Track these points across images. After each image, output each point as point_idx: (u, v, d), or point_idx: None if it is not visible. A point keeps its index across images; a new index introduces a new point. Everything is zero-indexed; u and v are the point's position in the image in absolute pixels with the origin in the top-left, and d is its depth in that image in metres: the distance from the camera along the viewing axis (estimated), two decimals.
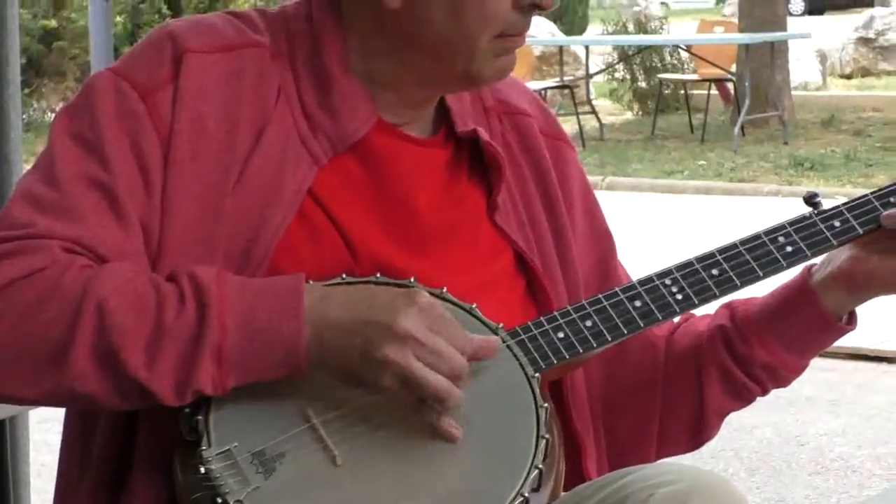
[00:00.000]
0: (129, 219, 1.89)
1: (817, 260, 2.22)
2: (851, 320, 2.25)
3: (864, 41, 26.19)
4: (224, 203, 1.93)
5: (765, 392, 2.31)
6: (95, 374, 1.77)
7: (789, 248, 2.13)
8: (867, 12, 28.64)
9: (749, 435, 5.43)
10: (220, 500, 1.74)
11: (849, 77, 25.33)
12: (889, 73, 25.66)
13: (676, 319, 2.27)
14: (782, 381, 2.28)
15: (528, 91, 2.39)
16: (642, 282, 2.10)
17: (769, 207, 11.92)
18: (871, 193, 2.19)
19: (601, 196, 9.65)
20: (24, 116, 14.47)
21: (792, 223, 2.14)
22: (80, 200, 1.88)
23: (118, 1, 18.63)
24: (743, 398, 2.28)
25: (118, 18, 19.48)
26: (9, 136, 3.83)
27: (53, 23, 19.21)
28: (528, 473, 1.83)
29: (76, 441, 2.05)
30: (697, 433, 2.34)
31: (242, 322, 1.81)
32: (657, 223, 12.85)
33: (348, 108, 2.04)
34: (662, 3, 26.69)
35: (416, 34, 2.03)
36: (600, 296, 2.07)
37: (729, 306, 2.28)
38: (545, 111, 2.36)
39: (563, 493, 2.01)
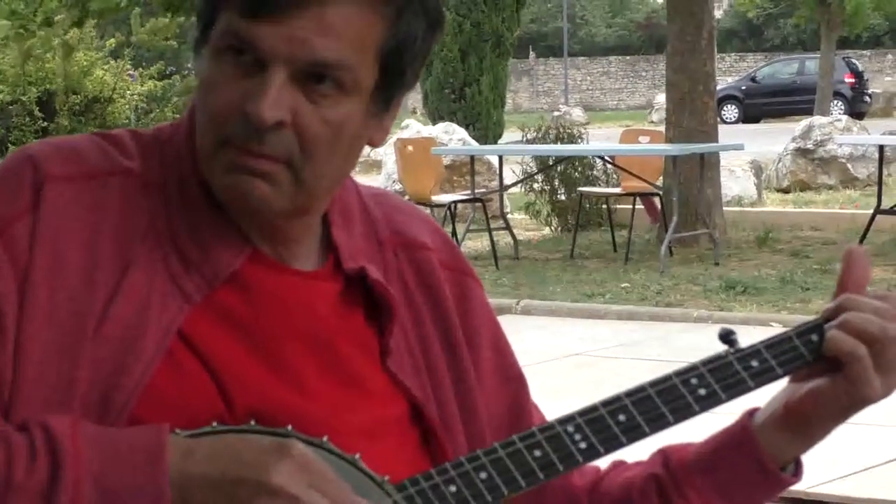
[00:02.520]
0: None
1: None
2: (798, 470, 2.20)
3: (803, 152, 26.74)
4: (83, 347, 1.86)
5: None
6: None
7: (703, 392, 2.09)
8: (805, 121, 29.29)
9: None
10: None
11: (786, 191, 25.65)
12: (829, 188, 25.98)
13: (603, 459, 2.19)
14: None
15: (430, 221, 2.37)
16: (543, 429, 2.03)
17: (698, 335, 11.75)
18: (792, 330, 2.14)
19: (516, 321, 14.72)
20: None
21: (706, 363, 2.11)
22: None
23: None
24: None
25: None
26: None
27: None
28: None
29: None
30: None
31: (98, 485, 1.75)
32: (576, 351, 12.79)
33: (220, 240, 2.00)
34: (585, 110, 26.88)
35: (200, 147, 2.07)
36: (497, 444, 2.00)
37: (663, 453, 2.24)
38: (448, 243, 2.34)
39: None
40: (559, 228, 21.02)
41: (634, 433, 2.03)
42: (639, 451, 2.20)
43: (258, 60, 1.90)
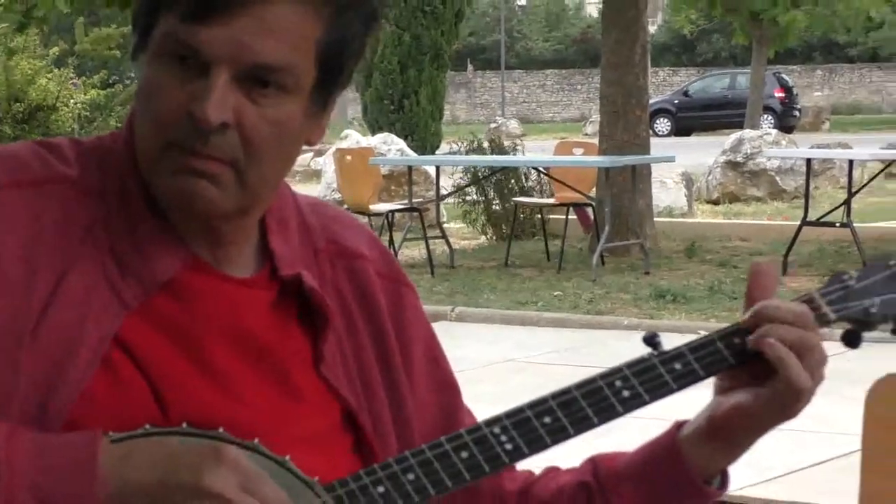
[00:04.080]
0: None
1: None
2: (724, 482, 2.23)
3: (733, 165, 27.39)
4: (19, 354, 1.85)
5: None
6: None
7: (626, 394, 2.10)
8: (736, 134, 29.81)
9: None
10: None
11: (716, 202, 26.18)
12: (758, 199, 26.36)
13: (533, 463, 2.21)
14: None
15: (366, 230, 2.37)
16: (470, 431, 2.05)
17: (628, 342, 11.73)
18: (715, 333, 2.17)
19: (451, 328, 14.98)
20: None
21: (630, 366, 2.13)
22: None
23: None
24: None
25: None
26: None
27: None
28: None
29: None
30: None
31: (34, 495, 1.76)
32: (510, 357, 12.93)
33: (157, 247, 2.00)
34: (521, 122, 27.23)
35: (140, 150, 2.04)
36: (424, 446, 2.01)
37: (594, 461, 2.28)
38: (384, 252, 2.35)
39: None
40: (494, 237, 21.22)
41: (559, 434, 2.08)
42: (571, 453, 2.33)
43: (200, 63, 1.93)
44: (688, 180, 25.45)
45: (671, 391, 2.13)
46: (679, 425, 2.22)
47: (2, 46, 21.14)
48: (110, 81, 28.16)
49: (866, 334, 2.32)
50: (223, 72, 1.88)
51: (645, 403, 2.14)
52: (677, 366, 2.13)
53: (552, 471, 2.30)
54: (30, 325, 1.87)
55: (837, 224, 19.01)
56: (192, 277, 2.03)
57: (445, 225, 20.83)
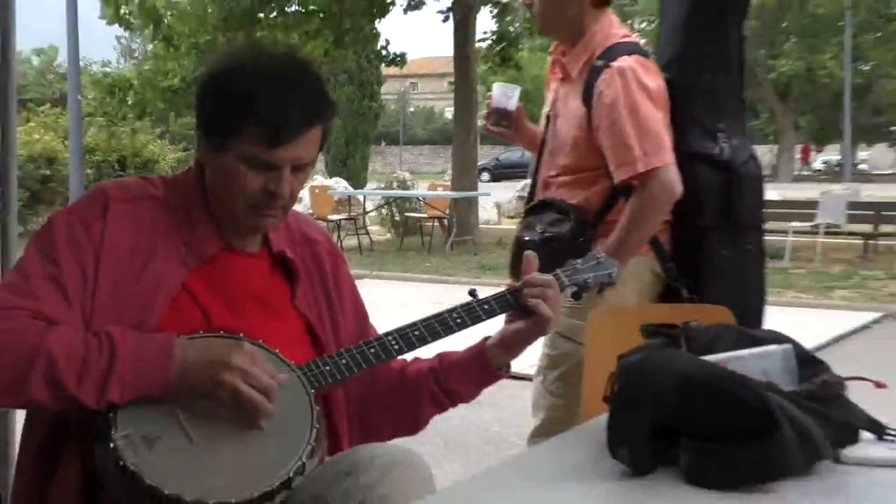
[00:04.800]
0: (72, 301, 1.84)
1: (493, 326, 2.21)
2: (508, 369, 2.23)
3: (521, 197, 24.37)
4: (128, 292, 1.89)
5: (454, 405, 2.28)
6: (46, 392, 1.75)
7: (459, 320, 2.14)
8: (524, 181, 27.83)
9: (445, 423, 4.29)
10: (121, 464, 1.75)
11: (513, 217, 24.26)
12: None
13: (410, 356, 2.21)
14: (466, 400, 2.27)
15: (321, 228, 2.34)
16: (376, 338, 2.10)
17: (464, 293, 8.90)
18: (505, 291, 2.20)
19: (370, 284, 13.43)
20: (29, 227, 14.59)
21: (462, 306, 2.17)
22: (41, 289, 1.82)
23: (89, 161, 17.64)
24: (443, 408, 2.26)
25: (88, 171, 18.04)
26: (10, 244, 3.61)
27: (48, 172, 18.29)
28: (305, 448, 1.87)
29: (29, 436, 1.96)
30: (415, 428, 2.28)
31: (137, 362, 1.80)
32: (401, 300, 12.04)
33: (207, 237, 2.02)
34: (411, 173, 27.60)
35: (215, 194, 2.02)
36: (352, 347, 2.05)
37: (439, 355, 2.27)
38: (330, 240, 2.31)
39: (326, 458, 1.98)
40: (395, 235, 20.32)
41: (423, 341, 2.10)
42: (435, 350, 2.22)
43: (274, 164, 1.92)
44: (498, 206, 24.62)
45: (482, 320, 2.19)
46: (486, 338, 2.21)
47: (129, 128, 20.26)
48: (189, 147, 25.97)
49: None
50: (287, 168, 1.95)
51: (468, 326, 2.19)
52: (486, 306, 2.18)
53: (416, 360, 2.27)
54: (134, 277, 1.90)
55: None
56: (225, 254, 2.05)
57: (369, 227, 20.06)
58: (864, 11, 28.24)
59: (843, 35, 34.34)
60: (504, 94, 3.28)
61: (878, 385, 2.03)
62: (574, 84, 3.18)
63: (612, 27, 3.21)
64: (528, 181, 3.28)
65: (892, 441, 1.87)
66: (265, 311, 2.05)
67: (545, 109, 3.34)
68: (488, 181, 39.76)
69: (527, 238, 3.10)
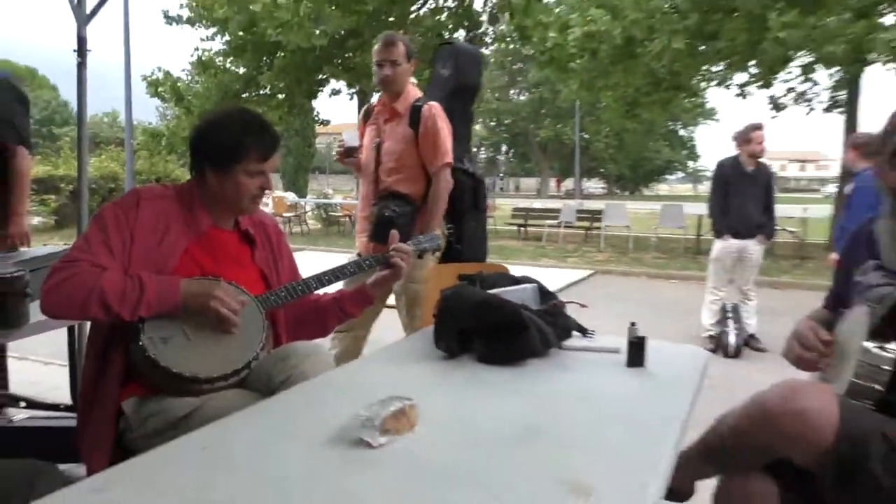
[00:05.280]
0: (116, 256, 1.77)
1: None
2: (377, 301, 2.12)
3: None
4: (152, 253, 1.81)
5: (347, 319, 2.18)
6: (101, 311, 1.71)
7: (352, 270, 2.08)
8: None
9: None
10: (146, 354, 1.71)
11: None
12: None
13: (321, 292, 2.11)
14: (355, 316, 2.18)
15: (269, 216, 2.18)
16: (303, 281, 2.02)
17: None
18: (382, 254, 2.14)
19: (308, 254, 11.57)
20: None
21: (355, 262, 2.12)
22: (97, 248, 1.76)
23: (138, 180, 16.58)
24: (341, 321, 2.17)
25: (137, 185, 15.91)
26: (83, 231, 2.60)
27: (112, 185, 17.31)
28: (259, 345, 1.82)
29: (91, 347, 1.87)
30: (324, 333, 2.18)
31: (157, 293, 1.75)
32: (326, 264, 7.80)
33: (202, 219, 1.92)
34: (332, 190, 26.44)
35: (224, 195, 1.92)
36: (288, 285, 1.98)
37: (339, 291, 2.19)
38: (275, 224, 2.17)
39: (271, 350, 1.89)
40: (323, 225, 18.75)
41: (331, 282, 2.06)
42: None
43: (263, 171, 1.90)
44: None
45: (365, 270, 2.12)
46: (365, 282, 2.14)
47: (162, 160, 18.35)
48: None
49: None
50: (270, 172, 1.92)
51: (357, 274, 2.12)
52: (367, 262, 2.13)
53: (326, 294, 2.17)
54: (155, 244, 1.82)
55: None
56: (214, 230, 1.96)
57: (308, 221, 18.59)
58: (585, 105, 30.69)
59: (575, 116, 37.82)
60: (351, 137, 3.36)
61: (582, 306, 2.14)
62: (401, 119, 3.32)
63: (412, 86, 3.45)
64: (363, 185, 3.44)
65: (591, 337, 2.06)
66: (237, 266, 2.00)
67: (367, 142, 3.43)
68: None
69: (386, 214, 3.16)
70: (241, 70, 15.44)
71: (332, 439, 1.29)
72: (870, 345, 1.51)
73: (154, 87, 15.34)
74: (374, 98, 3.49)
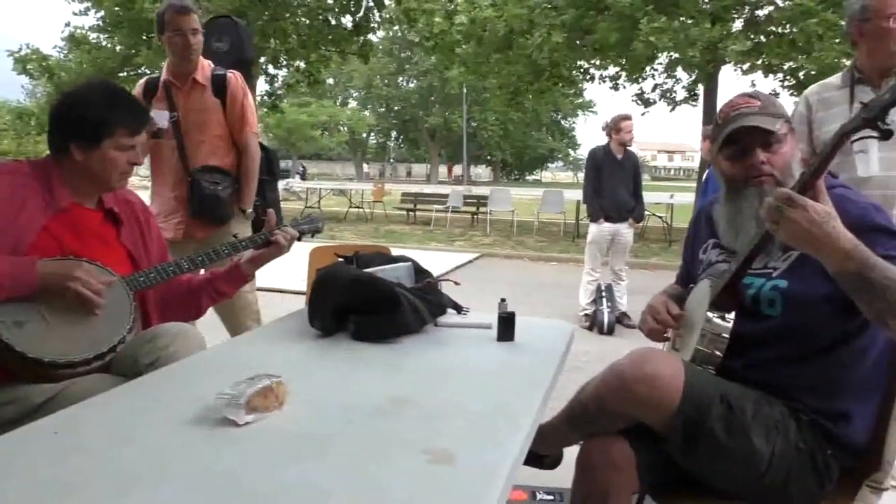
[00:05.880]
0: None
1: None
2: (253, 276, 2.12)
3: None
4: (6, 230, 1.75)
5: (222, 300, 2.16)
6: None
7: (226, 251, 2.07)
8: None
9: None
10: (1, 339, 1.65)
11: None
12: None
13: (198, 274, 2.10)
14: (229, 296, 2.16)
15: (135, 194, 2.11)
16: (174, 261, 2.00)
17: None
18: (259, 234, 2.12)
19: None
20: None
21: (230, 243, 2.09)
22: None
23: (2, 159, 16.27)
24: (215, 302, 2.12)
25: None
26: None
27: None
28: (126, 327, 1.77)
29: None
30: (198, 315, 2.13)
31: (10, 274, 1.68)
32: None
33: (61, 196, 1.87)
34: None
35: (90, 172, 1.88)
36: (157, 266, 1.96)
37: (211, 272, 2.13)
38: (141, 201, 2.11)
39: (141, 332, 1.84)
40: None
41: (204, 263, 2.02)
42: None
43: (133, 145, 1.88)
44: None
45: (240, 251, 2.10)
46: (240, 259, 2.09)
47: (31, 139, 17.89)
48: None
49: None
50: (139, 146, 1.89)
51: (232, 255, 2.09)
52: (244, 243, 2.08)
53: (200, 275, 2.15)
54: (9, 222, 1.75)
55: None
56: (76, 207, 1.90)
57: None
58: (472, 93, 31.75)
59: (463, 104, 38.96)
60: (161, 116, 3.12)
61: (456, 283, 2.18)
62: (204, 89, 3.15)
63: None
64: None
65: (465, 314, 2.09)
66: (101, 244, 1.94)
67: (165, 123, 3.13)
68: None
69: (211, 189, 3.02)
70: (118, 48, 14.76)
71: (195, 419, 1.27)
72: (711, 315, 1.61)
73: (22, 63, 14.78)
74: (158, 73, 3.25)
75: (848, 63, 2.80)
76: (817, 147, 2.55)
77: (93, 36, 14.75)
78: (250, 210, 3.13)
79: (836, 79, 2.62)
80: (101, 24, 14.64)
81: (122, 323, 1.79)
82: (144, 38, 14.45)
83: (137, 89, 3.23)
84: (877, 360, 1.59)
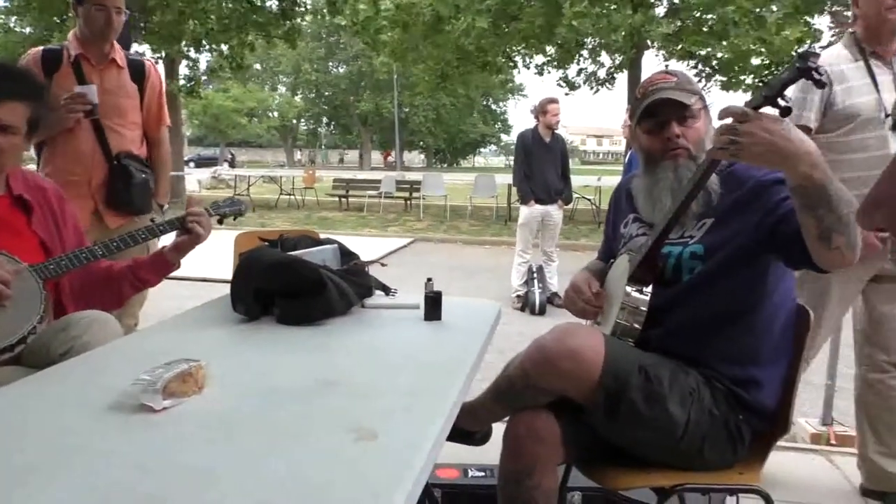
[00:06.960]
0: None
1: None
2: (179, 264, 2.07)
3: (214, 178, 21.57)
4: None
5: (145, 288, 2.13)
6: None
7: (143, 235, 2.00)
8: (215, 168, 26.91)
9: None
10: None
11: (209, 189, 19.59)
12: None
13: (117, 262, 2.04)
14: (153, 284, 2.11)
15: (48, 181, 2.06)
16: (87, 248, 1.93)
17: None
18: (176, 217, 2.04)
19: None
20: None
21: (147, 227, 2.02)
22: None
23: None
24: (137, 291, 2.09)
25: None
26: None
27: None
28: (36, 317, 1.70)
29: None
30: (119, 304, 2.07)
31: None
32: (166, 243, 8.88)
33: None
34: None
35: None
36: (69, 252, 1.89)
37: (134, 259, 2.10)
38: (56, 188, 2.06)
39: (53, 322, 1.78)
40: None
41: (119, 248, 1.92)
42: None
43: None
44: (199, 182, 19.53)
45: (158, 235, 2.04)
46: (164, 247, 2.03)
47: None
48: None
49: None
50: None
51: (150, 239, 2.03)
52: (161, 227, 2.01)
53: (120, 262, 2.08)
54: None
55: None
56: None
57: None
58: (403, 78, 31.74)
59: (394, 90, 38.51)
60: (94, 92, 2.84)
61: (383, 265, 2.19)
62: (122, 72, 3.00)
63: None
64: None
65: (393, 296, 2.09)
66: (10, 233, 1.87)
67: (96, 100, 2.86)
68: (194, 168, 34.43)
69: (142, 176, 2.93)
70: (28, 30, 14.13)
71: (110, 406, 1.23)
72: (630, 289, 1.65)
73: None
74: (65, 45, 2.99)
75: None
76: (833, 119, 2.38)
77: (0, 18, 14.12)
78: (167, 206, 3.09)
79: (842, 51, 2.45)
80: (8, 6, 13.97)
81: (31, 313, 1.72)
82: (57, 20, 13.93)
83: (31, 60, 2.91)
84: (784, 327, 1.65)
